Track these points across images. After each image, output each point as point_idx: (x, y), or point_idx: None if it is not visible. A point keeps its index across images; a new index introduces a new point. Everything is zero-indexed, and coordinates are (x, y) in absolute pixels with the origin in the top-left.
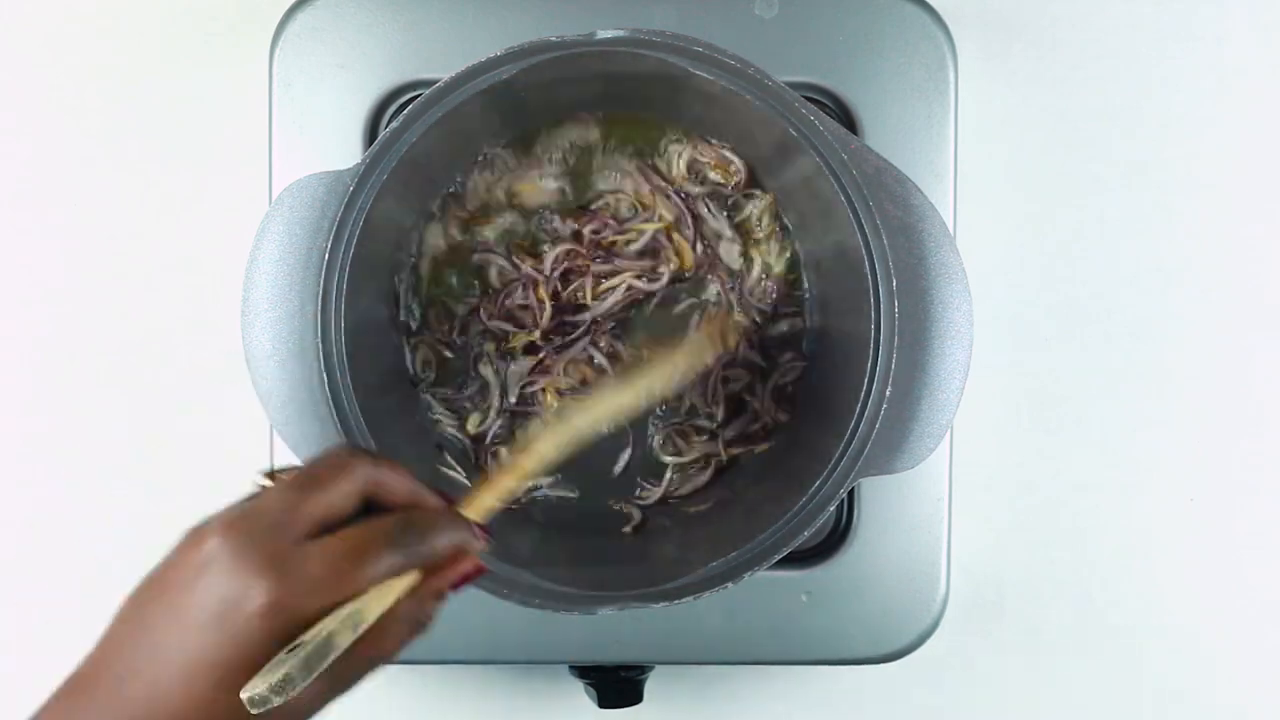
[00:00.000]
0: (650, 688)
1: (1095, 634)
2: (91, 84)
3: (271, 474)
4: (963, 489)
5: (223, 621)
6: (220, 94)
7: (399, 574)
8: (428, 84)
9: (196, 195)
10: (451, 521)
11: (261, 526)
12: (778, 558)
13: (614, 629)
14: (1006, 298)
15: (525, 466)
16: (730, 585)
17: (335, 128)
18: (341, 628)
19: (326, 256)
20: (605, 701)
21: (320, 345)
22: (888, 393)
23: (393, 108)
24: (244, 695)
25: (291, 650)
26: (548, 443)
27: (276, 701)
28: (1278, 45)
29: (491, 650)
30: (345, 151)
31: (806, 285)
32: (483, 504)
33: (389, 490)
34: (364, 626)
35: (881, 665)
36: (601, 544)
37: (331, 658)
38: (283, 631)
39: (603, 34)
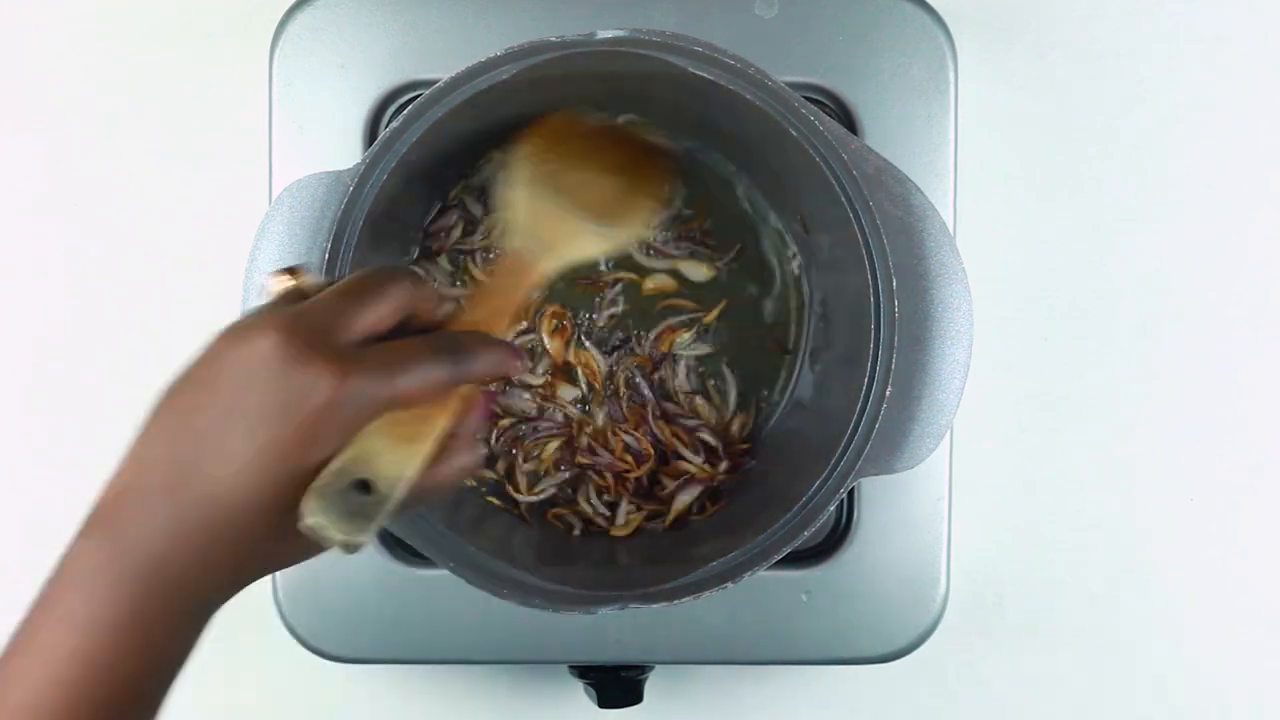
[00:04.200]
0: (650, 688)
1: (1095, 634)
2: (92, 84)
3: (289, 270)
4: (963, 489)
5: (287, 414)
6: (220, 94)
7: (443, 386)
8: (428, 84)
9: (196, 195)
10: (487, 341)
11: (317, 327)
12: (778, 558)
13: (614, 629)
14: (1006, 298)
15: (530, 282)
16: (730, 585)
17: (335, 128)
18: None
19: (326, 256)
20: (605, 701)
21: None
22: (888, 393)
23: (393, 108)
24: (340, 540)
25: (367, 492)
26: (546, 264)
27: (363, 539)
28: (1278, 45)
29: (491, 650)
30: (345, 151)
31: (809, 288)
32: (500, 324)
33: (426, 314)
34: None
35: (881, 665)
36: (601, 544)
37: (400, 490)
38: (344, 425)
39: (603, 34)
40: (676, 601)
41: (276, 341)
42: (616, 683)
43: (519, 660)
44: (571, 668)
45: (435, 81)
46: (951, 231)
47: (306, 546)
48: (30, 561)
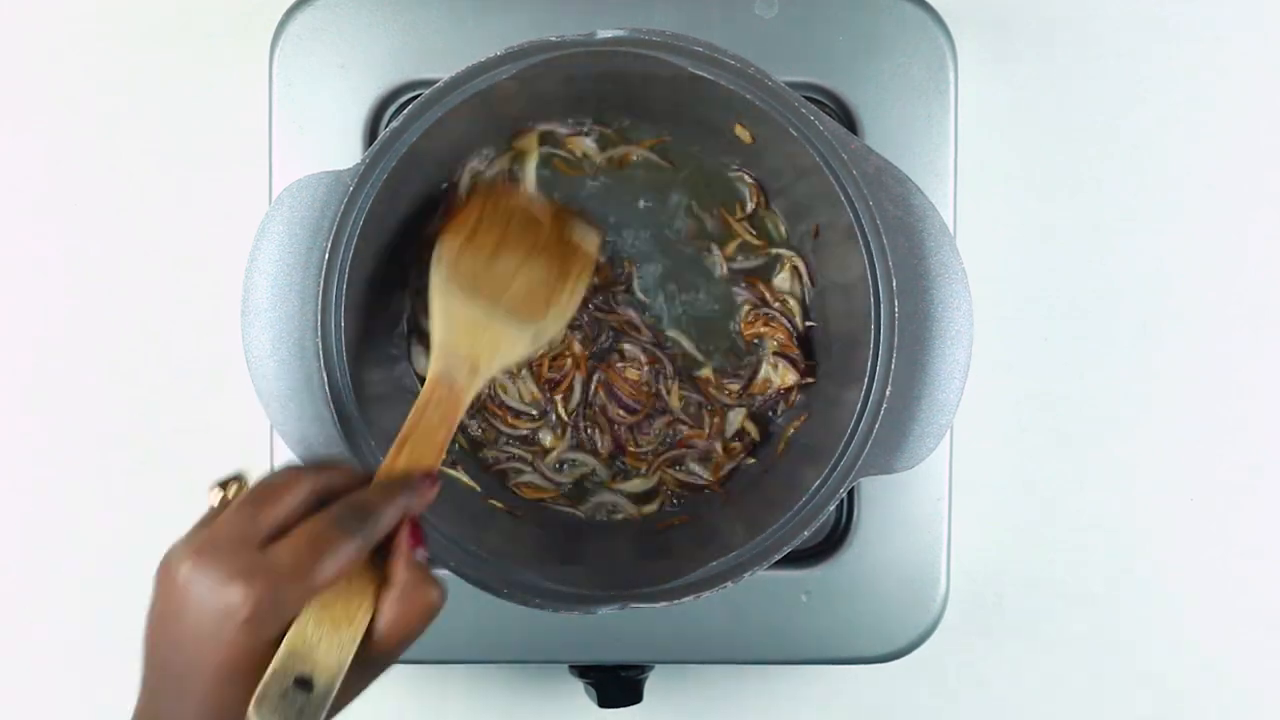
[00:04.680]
0: (650, 688)
1: (1095, 634)
2: (92, 84)
3: (224, 484)
4: (963, 489)
5: (221, 635)
6: (220, 94)
7: (360, 556)
8: (428, 84)
9: (196, 195)
10: (390, 489)
11: (224, 544)
12: (778, 558)
13: (614, 629)
14: (1006, 298)
15: (457, 411)
16: (730, 585)
17: (335, 128)
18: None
19: (326, 256)
20: (605, 701)
21: (320, 345)
22: (888, 393)
23: (393, 108)
24: None
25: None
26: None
27: None
28: (1278, 45)
29: (491, 650)
30: (345, 151)
31: (806, 289)
32: (421, 460)
33: (336, 490)
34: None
35: (881, 665)
36: (602, 544)
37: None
38: (274, 629)
39: (603, 34)
40: (676, 601)
41: (189, 573)
42: (616, 683)
43: (519, 660)
44: (571, 668)
45: (435, 81)
46: (951, 231)
47: None
48: (30, 561)
